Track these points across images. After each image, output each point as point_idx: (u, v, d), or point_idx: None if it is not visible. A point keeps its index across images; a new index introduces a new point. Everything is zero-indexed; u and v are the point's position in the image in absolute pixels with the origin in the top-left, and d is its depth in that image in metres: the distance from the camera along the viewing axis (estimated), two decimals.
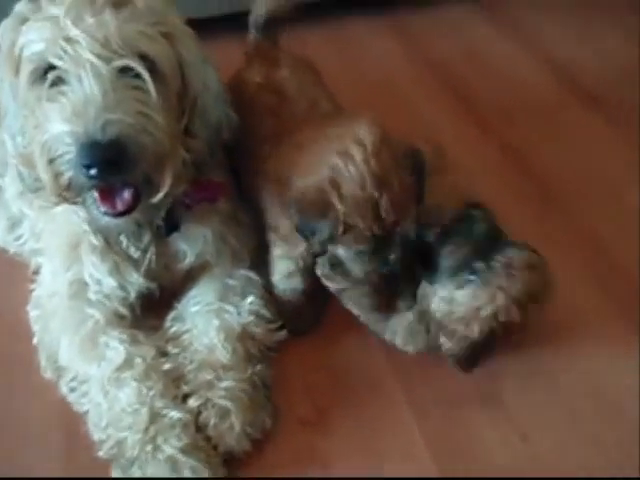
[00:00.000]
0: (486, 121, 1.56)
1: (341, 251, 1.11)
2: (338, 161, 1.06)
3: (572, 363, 1.26)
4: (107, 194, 1.04)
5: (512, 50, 2.08)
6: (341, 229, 1.05)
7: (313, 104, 1.28)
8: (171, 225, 1.20)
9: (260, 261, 1.31)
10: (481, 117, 1.66)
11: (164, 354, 1.21)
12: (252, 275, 1.30)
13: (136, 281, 1.22)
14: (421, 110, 1.68)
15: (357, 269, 1.12)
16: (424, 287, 1.14)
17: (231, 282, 1.28)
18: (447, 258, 1.12)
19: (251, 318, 1.24)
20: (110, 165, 0.96)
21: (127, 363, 1.15)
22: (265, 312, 1.26)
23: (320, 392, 1.22)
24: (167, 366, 1.18)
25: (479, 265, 1.09)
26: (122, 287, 1.21)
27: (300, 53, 2.01)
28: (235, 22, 1.94)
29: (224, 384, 1.14)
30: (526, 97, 1.86)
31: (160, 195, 1.06)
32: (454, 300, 1.11)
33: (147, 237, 1.19)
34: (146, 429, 1.07)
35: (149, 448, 1.06)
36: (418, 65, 2.01)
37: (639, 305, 1.34)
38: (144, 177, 1.03)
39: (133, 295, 1.23)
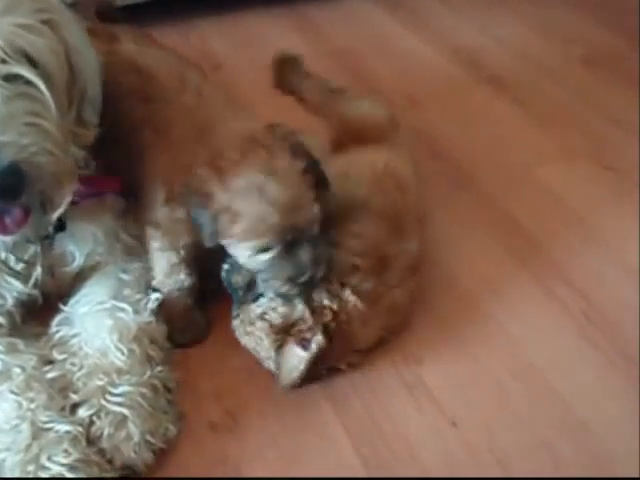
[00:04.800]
0: (393, 105, 1.52)
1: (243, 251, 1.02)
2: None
3: (493, 339, 1.21)
4: None
5: (416, 39, 2.06)
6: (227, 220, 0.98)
7: (182, 80, 1.16)
8: (56, 225, 1.05)
9: None
10: (388, 101, 1.62)
11: (49, 362, 1.06)
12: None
13: (14, 288, 1.08)
14: None
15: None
16: None
17: (125, 277, 1.15)
18: None
19: (149, 316, 1.11)
20: (5, 192, 0.85)
21: (4, 375, 1.01)
22: None
23: (230, 394, 1.12)
24: (52, 374, 1.03)
25: None
26: None
27: (202, 48, 1.97)
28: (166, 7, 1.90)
29: (119, 389, 1.01)
30: (432, 82, 1.85)
31: (58, 212, 0.96)
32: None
33: (33, 249, 1.06)
34: (28, 447, 0.93)
35: (31, 468, 0.91)
36: (322, 56, 1.96)
37: (554, 275, 1.32)
38: (41, 197, 0.92)
39: (10, 302, 1.09)
